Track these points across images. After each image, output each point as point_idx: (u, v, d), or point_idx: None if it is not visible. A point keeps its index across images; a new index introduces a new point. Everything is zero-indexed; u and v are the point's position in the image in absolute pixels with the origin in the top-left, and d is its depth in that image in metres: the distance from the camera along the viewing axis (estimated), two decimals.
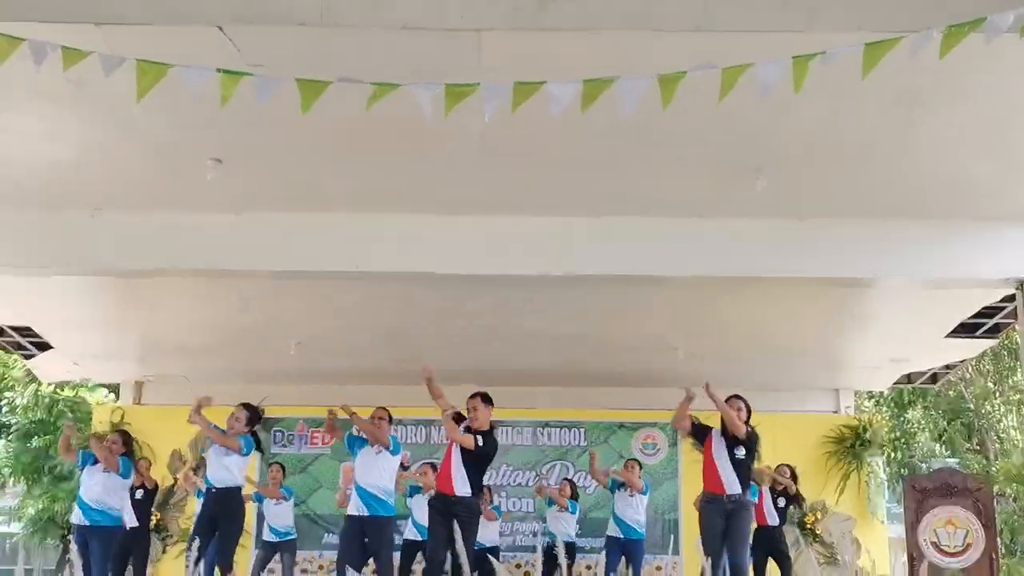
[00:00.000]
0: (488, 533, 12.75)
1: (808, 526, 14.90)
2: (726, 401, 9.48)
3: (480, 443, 9.11)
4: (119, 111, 7.11)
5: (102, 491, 10.56)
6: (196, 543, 8.85)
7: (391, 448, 9.94)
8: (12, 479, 23.35)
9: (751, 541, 9.85)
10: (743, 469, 9.44)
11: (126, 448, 11.01)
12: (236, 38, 5.98)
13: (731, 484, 9.38)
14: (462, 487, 9.08)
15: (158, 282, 10.89)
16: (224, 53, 5.92)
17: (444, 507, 9.07)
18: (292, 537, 13.31)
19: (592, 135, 7.28)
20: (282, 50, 6.12)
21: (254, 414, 10.19)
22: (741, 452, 9.38)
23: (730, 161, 8.03)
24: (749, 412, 9.52)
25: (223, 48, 5.98)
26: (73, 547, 9.87)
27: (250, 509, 12.84)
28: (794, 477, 12.91)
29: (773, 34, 5.75)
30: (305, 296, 11.62)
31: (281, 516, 13.19)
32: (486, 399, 9.35)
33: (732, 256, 9.38)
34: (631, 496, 13.21)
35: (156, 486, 13.07)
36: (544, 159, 8.02)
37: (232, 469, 9.88)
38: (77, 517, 10.63)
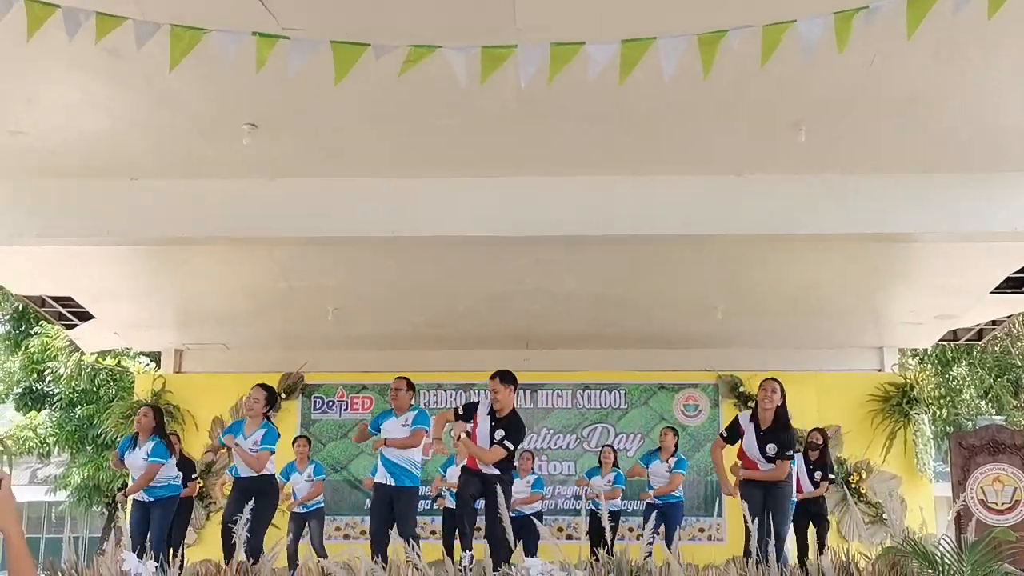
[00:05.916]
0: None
1: (853, 485, 14.83)
2: (760, 385, 9.61)
3: (511, 448, 9.05)
4: (155, 80, 7.09)
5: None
6: (237, 521, 8.79)
7: (418, 421, 10.01)
8: (56, 448, 23.62)
9: (792, 512, 9.86)
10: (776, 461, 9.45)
11: (156, 422, 10.65)
12: (271, 4, 5.94)
13: (766, 468, 9.43)
14: (489, 467, 9.08)
15: (195, 250, 10.93)
16: (259, 21, 5.88)
17: (474, 474, 9.14)
18: (320, 506, 13.41)
19: (629, 92, 7.17)
20: (317, 14, 6.08)
21: (272, 395, 10.19)
22: (773, 450, 9.38)
23: (770, 115, 7.93)
24: (783, 393, 9.48)
25: (259, 16, 5.93)
26: (122, 516, 9.81)
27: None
28: (825, 443, 12.81)
29: None
30: (341, 261, 11.61)
31: (309, 488, 13.23)
32: (505, 379, 9.24)
33: (772, 213, 9.28)
34: (664, 463, 13.26)
35: (189, 461, 13.12)
36: (581, 117, 7.92)
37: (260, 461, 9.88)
38: (139, 495, 10.57)
